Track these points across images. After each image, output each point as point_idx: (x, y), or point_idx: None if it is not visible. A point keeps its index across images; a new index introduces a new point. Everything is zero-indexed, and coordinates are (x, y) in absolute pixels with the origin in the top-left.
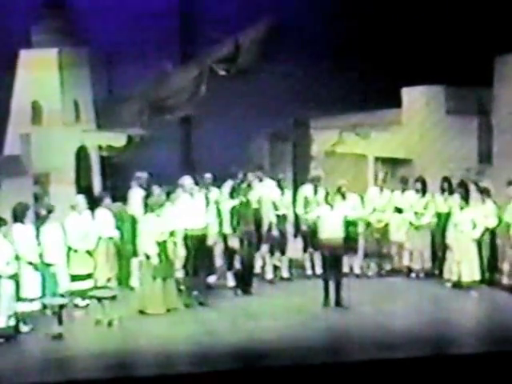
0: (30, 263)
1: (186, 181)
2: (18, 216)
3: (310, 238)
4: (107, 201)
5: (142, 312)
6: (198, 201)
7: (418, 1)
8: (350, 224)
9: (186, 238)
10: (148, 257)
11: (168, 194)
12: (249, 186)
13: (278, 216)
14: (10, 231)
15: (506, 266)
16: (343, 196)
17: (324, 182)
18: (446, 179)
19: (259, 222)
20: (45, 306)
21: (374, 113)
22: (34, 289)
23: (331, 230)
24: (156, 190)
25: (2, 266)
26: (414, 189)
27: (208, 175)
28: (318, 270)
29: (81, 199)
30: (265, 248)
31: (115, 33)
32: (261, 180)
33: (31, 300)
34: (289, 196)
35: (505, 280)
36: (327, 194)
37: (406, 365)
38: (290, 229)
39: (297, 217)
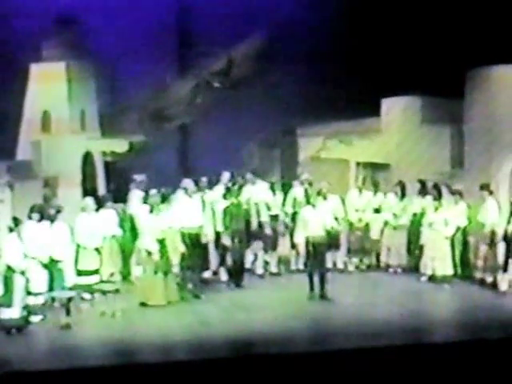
0: (41, 259)
1: (189, 184)
2: (34, 215)
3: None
4: (110, 202)
5: (143, 304)
6: (194, 202)
7: (397, 19)
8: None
9: (183, 236)
10: (149, 253)
11: (166, 196)
12: (240, 187)
13: (270, 216)
14: (24, 229)
15: (479, 262)
16: (324, 197)
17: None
18: (421, 182)
19: (249, 221)
20: (54, 299)
21: (355, 121)
22: (43, 283)
23: (314, 229)
24: (152, 191)
25: (16, 262)
26: (393, 192)
27: (204, 179)
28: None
29: (89, 201)
30: (255, 245)
31: (118, 47)
32: (253, 183)
33: (40, 293)
34: (280, 198)
35: (478, 274)
36: (309, 195)
37: (385, 353)
38: (279, 227)
39: (286, 216)
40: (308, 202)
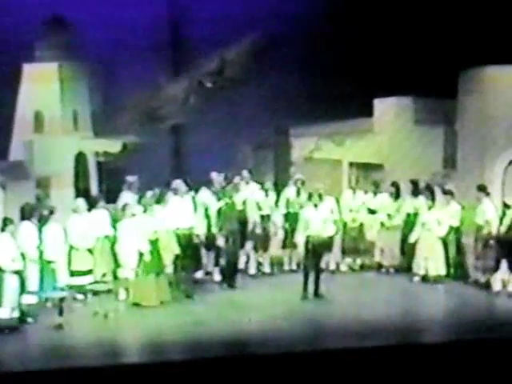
0: (34, 259)
1: (180, 185)
2: (26, 215)
3: (290, 237)
4: (102, 202)
5: (136, 304)
6: (185, 202)
7: (390, 20)
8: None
9: (176, 236)
10: (141, 254)
11: (159, 197)
12: (236, 188)
13: (261, 216)
14: (16, 230)
15: (473, 262)
16: (320, 198)
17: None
18: (413, 182)
19: (243, 221)
20: (46, 299)
21: (348, 122)
22: (36, 283)
23: (315, 229)
24: (149, 193)
25: (7, 262)
26: (388, 192)
27: (202, 179)
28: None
29: (81, 202)
30: (248, 245)
31: (111, 48)
32: (247, 183)
33: (34, 293)
34: (272, 198)
35: (472, 274)
36: (310, 195)
37: (378, 352)
38: (271, 227)
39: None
40: (309, 201)
